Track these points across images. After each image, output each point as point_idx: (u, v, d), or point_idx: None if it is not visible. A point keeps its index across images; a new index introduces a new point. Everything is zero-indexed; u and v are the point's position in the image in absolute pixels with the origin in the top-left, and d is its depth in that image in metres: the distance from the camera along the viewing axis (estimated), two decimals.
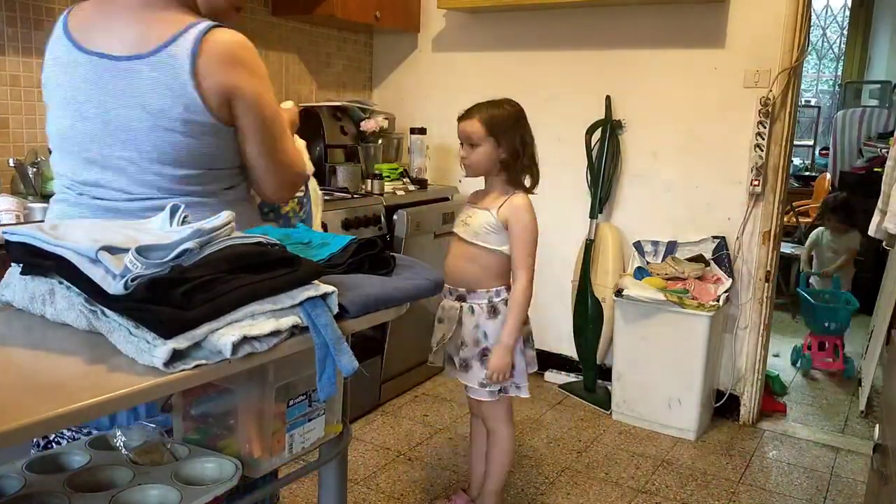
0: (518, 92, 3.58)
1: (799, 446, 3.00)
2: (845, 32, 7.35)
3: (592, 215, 3.32)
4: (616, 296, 3.07)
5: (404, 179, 3.34)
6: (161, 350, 0.91)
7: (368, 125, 3.38)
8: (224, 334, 0.96)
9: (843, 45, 7.40)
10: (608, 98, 3.28)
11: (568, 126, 3.40)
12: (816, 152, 6.98)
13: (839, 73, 7.49)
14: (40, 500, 1.09)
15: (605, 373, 3.32)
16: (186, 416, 1.29)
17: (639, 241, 3.29)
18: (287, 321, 1.05)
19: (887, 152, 3.18)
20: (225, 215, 1.08)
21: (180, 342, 0.93)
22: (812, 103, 7.34)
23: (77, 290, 1.03)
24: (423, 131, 3.48)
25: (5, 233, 1.12)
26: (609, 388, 3.25)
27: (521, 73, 3.52)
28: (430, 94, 3.76)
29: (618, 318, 3.11)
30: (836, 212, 4.54)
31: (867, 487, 2.49)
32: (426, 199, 3.34)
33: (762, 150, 2.97)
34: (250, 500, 1.23)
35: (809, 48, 3.87)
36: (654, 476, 2.70)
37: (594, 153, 3.32)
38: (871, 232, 3.00)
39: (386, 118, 3.46)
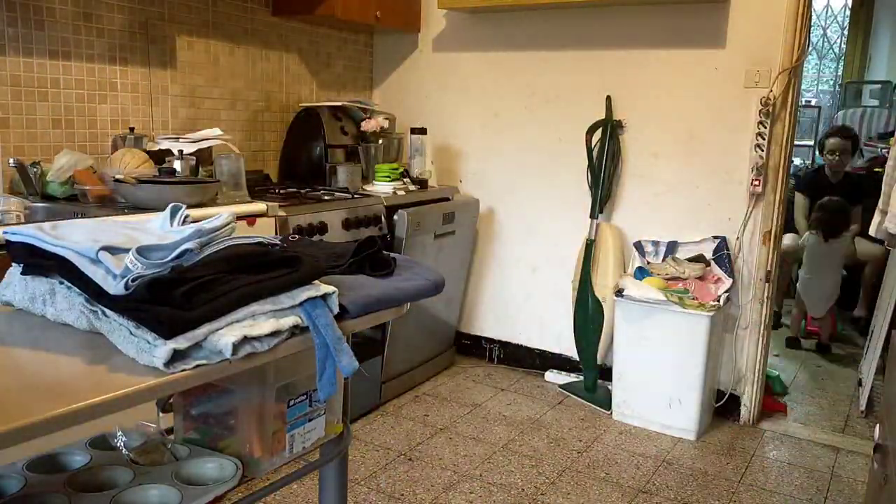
0: (518, 92, 3.60)
1: (799, 446, 3.00)
2: (845, 32, 7.34)
3: (593, 215, 3.32)
4: (616, 296, 3.07)
5: (404, 179, 3.34)
6: (161, 350, 0.91)
7: (369, 125, 3.38)
8: (224, 335, 0.96)
9: (843, 45, 7.39)
10: (608, 98, 3.28)
11: (568, 126, 3.40)
12: (816, 152, 6.97)
13: (839, 73, 7.48)
14: (40, 500, 1.09)
15: (606, 373, 3.32)
16: (187, 416, 1.29)
17: (639, 241, 3.29)
18: (287, 321, 1.05)
19: (887, 152, 3.18)
20: (225, 215, 1.08)
21: (180, 342, 0.93)
22: (812, 103, 7.33)
23: (77, 290, 1.03)
24: (423, 131, 3.48)
25: (6, 233, 1.12)
26: (609, 388, 3.25)
27: (521, 73, 3.52)
28: (431, 94, 3.76)
29: (618, 318, 3.11)
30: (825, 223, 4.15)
31: (867, 487, 2.48)
32: (426, 199, 3.34)
33: (762, 150, 2.97)
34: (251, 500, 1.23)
35: (810, 48, 3.87)
36: (654, 476, 2.70)
37: (594, 153, 3.32)
38: (871, 232, 3.00)
39: (386, 118, 3.46)
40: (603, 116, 3.30)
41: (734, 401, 3.19)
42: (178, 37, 2.95)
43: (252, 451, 1.21)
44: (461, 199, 3.61)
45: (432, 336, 3.53)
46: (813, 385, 3.71)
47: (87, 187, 2.40)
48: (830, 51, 7.58)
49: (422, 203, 3.27)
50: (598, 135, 3.32)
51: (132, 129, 2.75)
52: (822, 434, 3.12)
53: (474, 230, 3.71)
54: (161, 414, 1.35)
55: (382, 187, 3.18)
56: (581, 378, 3.45)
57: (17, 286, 1.11)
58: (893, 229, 2.76)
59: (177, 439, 1.29)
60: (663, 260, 3.19)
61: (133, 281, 0.95)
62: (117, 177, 2.42)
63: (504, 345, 3.77)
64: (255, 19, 3.24)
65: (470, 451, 2.84)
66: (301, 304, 1.08)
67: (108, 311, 0.99)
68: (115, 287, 0.95)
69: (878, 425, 2.03)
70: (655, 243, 3.26)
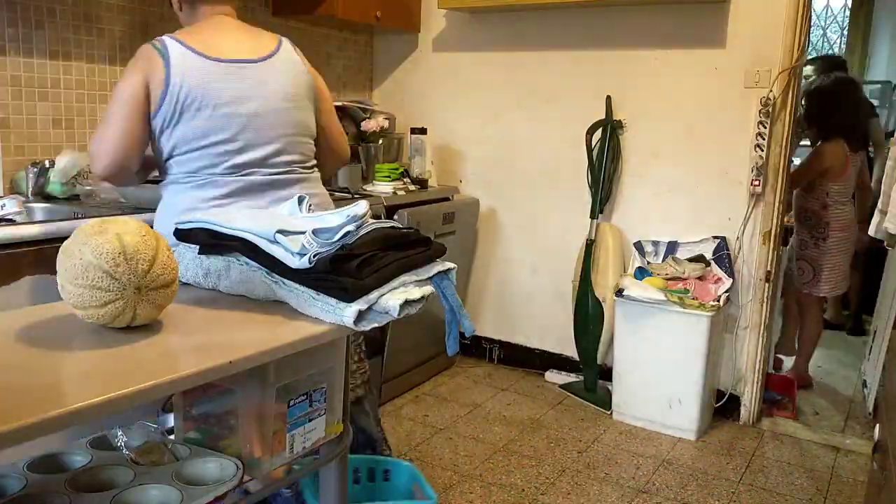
0: (518, 92, 3.60)
1: (799, 446, 3.00)
2: (845, 32, 7.35)
3: (593, 215, 3.32)
4: (616, 296, 3.07)
5: (404, 179, 3.35)
6: (350, 310, 1.12)
7: (369, 125, 3.38)
8: (390, 298, 1.18)
9: (843, 46, 7.39)
10: (608, 98, 3.28)
11: (568, 126, 3.40)
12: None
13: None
14: (41, 500, 1.09)
15: (606, 373, 3.32)
16: (187, 416, 1.29)
17: (639, 241, 3.29)
18: (427, 289, 1.26)
19: (888, 152, 3.18)
20: (363, 204, 1.25)
21: (362, 304, 1.14)
22: None
23: (256, 264, 1.22)
24: (423, 131, 3.48)
25: (179, 222, 1.32)
26: (609, 388, 3.25)
27: (521, 73, 3.52)
28: (431, 94, 3.76)
29: (618, 318, 3.11)
30: None
31: (867, 487, 2.48)
32: (426, 199, 3.34)
33: (762, 150, 2.97)
34: (251, 500, 1.23)
35: (809, 48, 3.87)
36: (654, 476, 2.70)
37: (594, 153, 3.32)
38: (871, 232, 3.00)
39: (386, 118, 3.46)
40: (603, 116, 3.30)
41: (734, 401, 3.19)
42: None
43: (252, 451, 1.22)
44: (461, 199, 3.61)
45: (432, 336, 3.53)
46: (814, 385, 3.71)
47: (91, 187, 2.41)
48: (830, 51, 7.58)
49: (422, 203, 3.27)
50: (598, 135, 3.32)
51: None
52: (821, 434, 3.12)
53: (474, 230, 3.71)
54: (161, 414, 1.35)
55: (382, 187, 3.18)
56: (581, 378, 3.45)
57: (189, 264, 1.31)
58: (893, 229, 2.76)
59: (177, 439, 1.29)
60: (663, 260, 3.19)
61: (314, 256, 1.14)
62: None
63: (504, 345, 3.77)
64: (255, 19, 3.24)
65: (470, 451, 2.84)
66: (433, 276, 1.30)
67: (287, 281, 1.18)
68: (298, 262, 1.15)
69: (878, 425, 2.03)
70: (655, 243, 3.26)
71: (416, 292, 1.23)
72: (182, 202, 1.74)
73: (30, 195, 2.40)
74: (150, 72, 1.72)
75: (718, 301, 2.95)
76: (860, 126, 3.59)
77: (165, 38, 1.77)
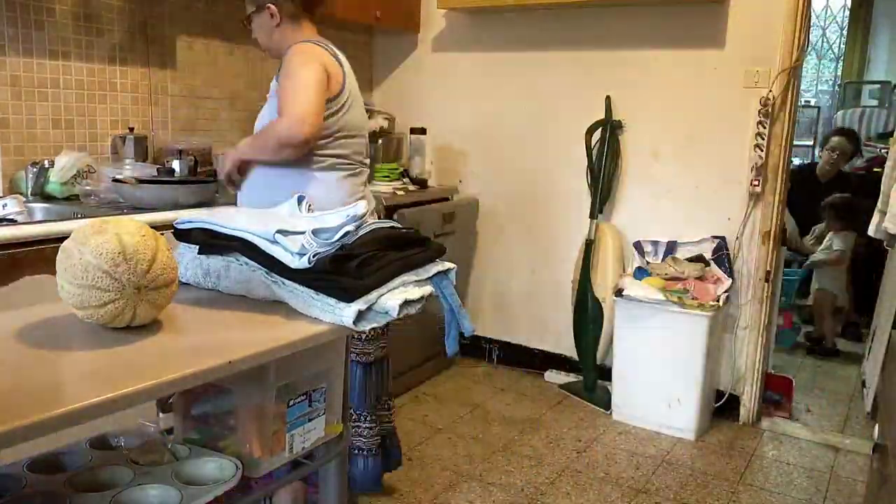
0: (518, 92, 3.60)
1: (799, 446, 3.01)
2: (845, 32, 7.35)
3: (592, 215, 3.32)
4: (616, 296, 3.07)
5: (404, 179, 3.35)
6: (349, 311, 1.13)
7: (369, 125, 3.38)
8: (389, 298, 1.18)
9: (842, 45, 7.39)
10: (608, 98, 3.28)
11: (568, 126, 3.40)
12: (816, 152, 6.96)
13: (839, 73, 7.48)
14: (41, 499, 1.09)
15: (605, 373, 3.32)
16: (187, 416, 1.29)
17: (639, 241, 3.29)
18: (426, 289, 1.27)
19: (887, 152, 3.18)
20: (363, 204, 1.26)
21: (361, 304, 1.14)
22: (812, 103, 7.33)
23: (256, 264, 1.22)
24: (423, 131, 3.48)
25: (179, 221, 1.32)
26: (609, 388, 3.25)
27: (521, 73, 3.52)
28: (430, 94, 3.76)
29: (618, 318, 3.11)
30: (835, 210, 4.35)
31: (867, 487, 2.49)
32: (426, 199, 3.34)
33: (762, 150, 2.97)
34: (250, 499, 1.23)
35: (809, 48, 3.87)
36: (654, 476, 2.70)
37: (594, 153, 3.32)
38: (870, 232, 2.99)
39: (386, 118, 3.46)
40: (603, 116, 3.30)
41: (734, 401, 3.19)
42: (178, 37, 2.95)
43: (252, 451, 1.22)
44: (461, 199, 3.61)
45: (432, 336, 3.53)
46: (813, 385, 3.71)
47: (91, 187, 2.41)
48: (830, 51, 7.58)
49: (422, 203, 3.27)
50: (597, 135, 3.32)
51: (132, 129, 2.75)
52: (821, 434, 3.12)
53: (474, 230, 3.71)
54: (161, 414, 1.35)
55: (382, 187, 3.18)
56: (580, 378, 3.45)
57: (189, 264, 1.31)
58: (893, 229, 2.76)
59: (177, 439, 1.29)
60: (663, 260, 3.19)
61: (314, 256, 1.15)
62: (117, 177, 2.42)
63: (504, 345, 3.77)
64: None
65: (470, 451, 2.84)
66: (432, 276, 1.30)
67: (287, 281, 1.19)
68: (298, 262, 1.15)
69: (877, 425, 2.03)
70: (655, 243, 3.26)
71: (415, 292, 1.24)
72: (344, 186, 2.04)
73: (30, 195, 2.40)
74: (330, 69, 1.98)
75: (718, 301, 2.95)
76: None
77: (329, 45, 2.04)
